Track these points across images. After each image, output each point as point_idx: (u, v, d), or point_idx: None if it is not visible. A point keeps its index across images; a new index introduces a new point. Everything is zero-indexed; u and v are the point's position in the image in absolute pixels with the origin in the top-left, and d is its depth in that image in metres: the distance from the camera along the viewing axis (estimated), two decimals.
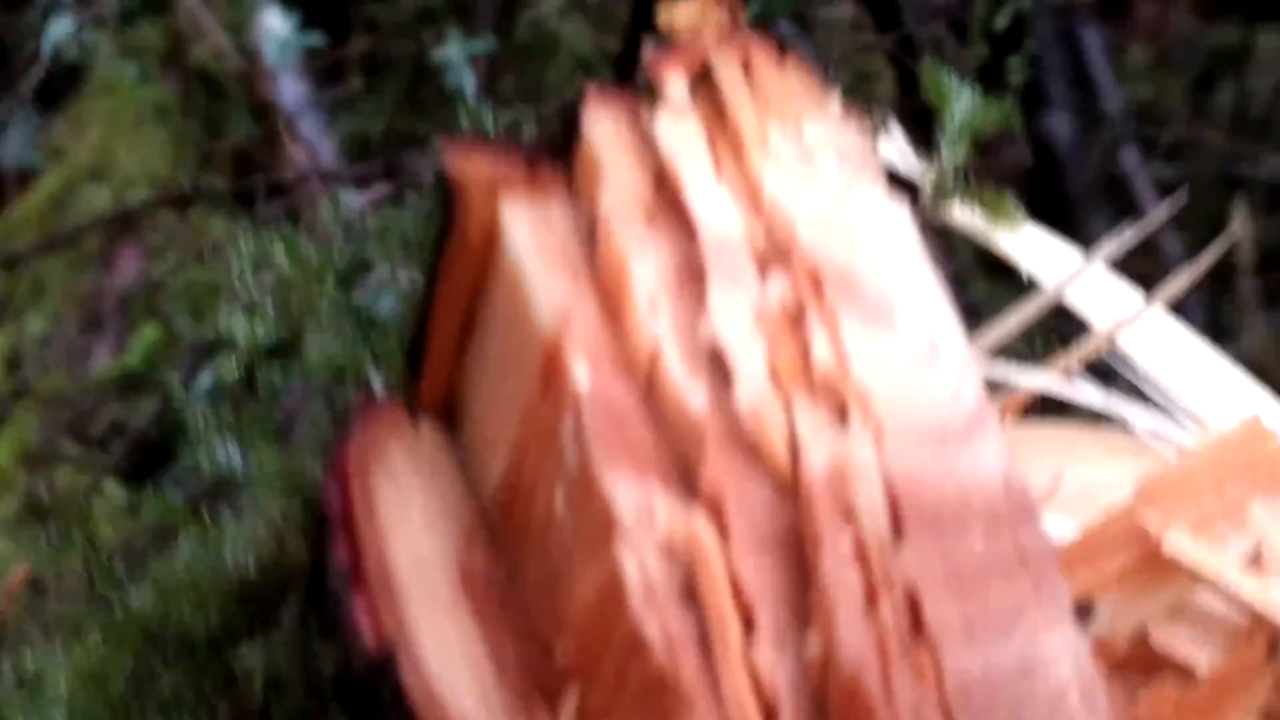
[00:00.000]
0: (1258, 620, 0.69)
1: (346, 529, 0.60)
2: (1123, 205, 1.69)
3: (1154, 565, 0.70)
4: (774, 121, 0.65)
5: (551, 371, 0.62)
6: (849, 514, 0.59)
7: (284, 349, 0.78)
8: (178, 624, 0.72)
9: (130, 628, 0.74)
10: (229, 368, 0.79)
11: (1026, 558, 0.62)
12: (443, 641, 0.61)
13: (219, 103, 2.30)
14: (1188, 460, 0.71)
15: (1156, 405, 0.79)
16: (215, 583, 0.73)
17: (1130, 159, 1.73)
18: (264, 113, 2.21)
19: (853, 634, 0.57)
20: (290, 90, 2.20)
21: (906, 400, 0.62)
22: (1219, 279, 1.63)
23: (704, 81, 0.67)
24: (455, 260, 0.64)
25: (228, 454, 0.78)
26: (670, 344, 0.63)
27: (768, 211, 0.64)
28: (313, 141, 2.13)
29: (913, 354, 0.64)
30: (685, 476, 0.62)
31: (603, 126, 0.65)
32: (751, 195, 0.64)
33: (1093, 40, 1.87)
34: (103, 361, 2.13)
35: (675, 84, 0.66)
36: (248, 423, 0.78)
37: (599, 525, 0.60)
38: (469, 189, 0.62)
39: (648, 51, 0.66)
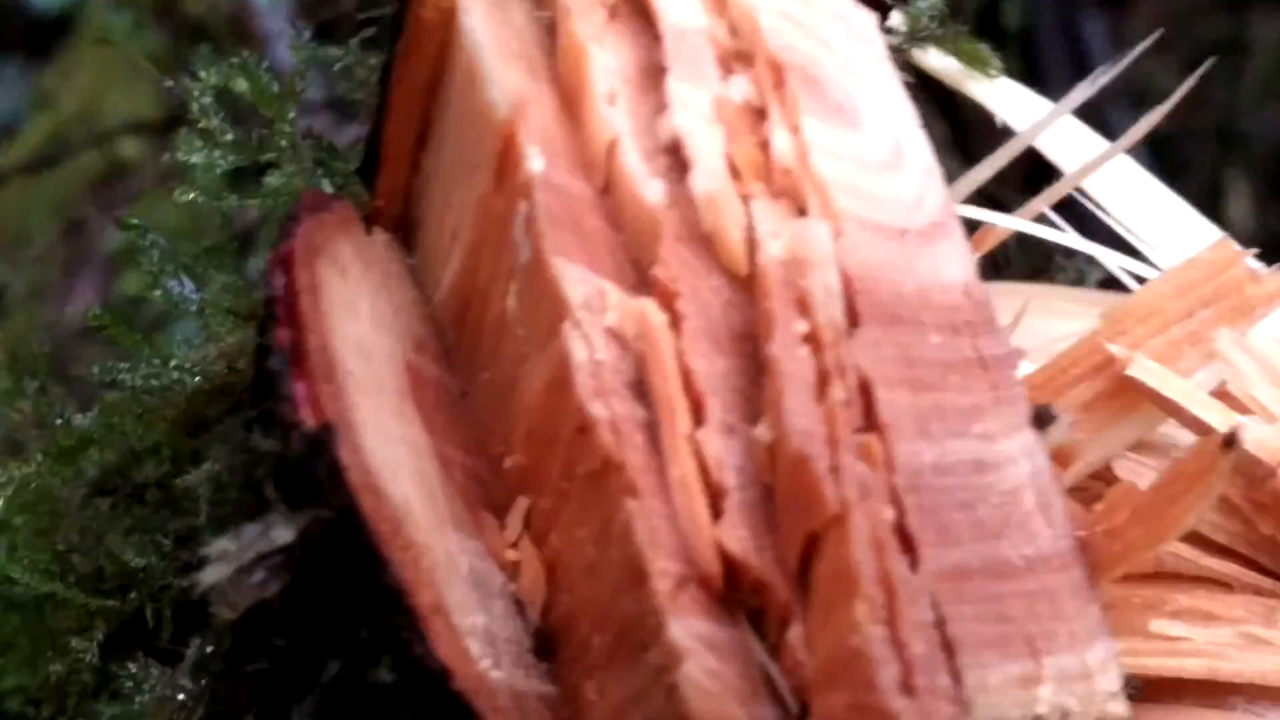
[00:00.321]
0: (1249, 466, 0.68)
1: (289, 311, 0.58)
2: None
3: (1119, 394, 0.69)
4: None
5: (506, 160, 0.60)
6: (803, 302, 0.58)
7: (243, 178, 0.77)
8: (121, 441, 0.71)
9: (74, 445, 0.72)
10: (187, 197, 0.77)
11: (986, 362, 0.61)
12: (385, 431, 0.60)
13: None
14: (1153, 288, 0.70)
15: (1126, 248, 0.78)
16: (163, 401, 0.72)
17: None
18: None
19: (801, 416, 0.56)
20: (283, 46, 2.18)
21: (867, 197, 0.61)
22: None
23: None
24: (411, 53, 0.62)
25: (182, 284, 0.76)
26: (628, 138, 0.61)
27: (731, 7, 0.63)
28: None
29: (876, 154, 0.62)
30: (641, 272, 0.60)
31: None
32: None
33: (1094, 29, 1.86)
34: None
35: None
36: (204, 252, 0.77)
37: (549, 313, 0.59)
38: None
39: None
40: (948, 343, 0.60)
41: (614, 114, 0.61)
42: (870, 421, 0.57)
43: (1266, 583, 0.70)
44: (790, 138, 0.61)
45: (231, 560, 0.56)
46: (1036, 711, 0.56)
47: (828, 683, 0.54)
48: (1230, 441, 0.57)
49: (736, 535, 0.56)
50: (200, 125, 0.79)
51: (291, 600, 0.60)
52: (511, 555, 0.62)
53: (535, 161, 0.59)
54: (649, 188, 0.60)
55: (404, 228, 0.69)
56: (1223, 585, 0.70)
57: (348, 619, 0.59)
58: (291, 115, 0.77)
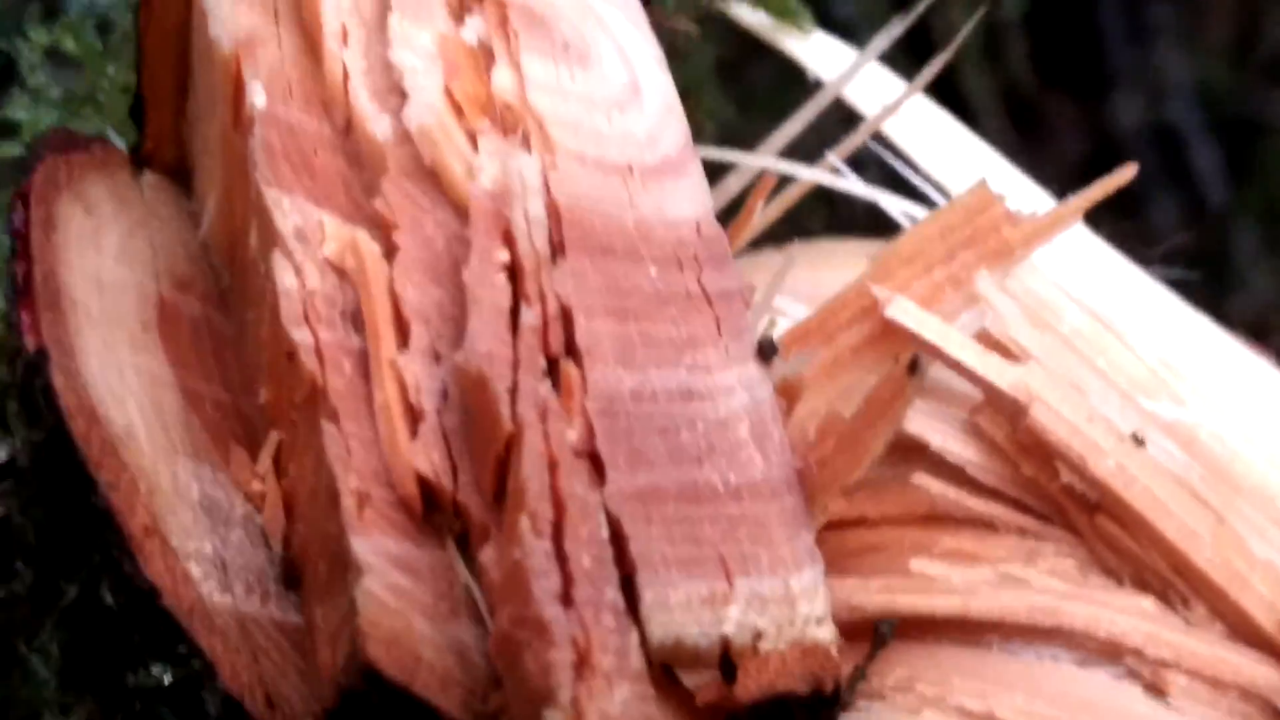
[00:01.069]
0: (985, 388, 0.69)
1: (21, 243, 0.60)
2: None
3: (885, 339, 0.70)
4: None
5: (238, 96, 0.62)
6: (507, 232, 0.59)
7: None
8: None
9: None
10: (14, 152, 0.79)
11: (710, 296, 0.62)
12: (114, 361, 0.62)
13: None
14: (917, 231, 0.70)
15: (924, 197, 0.78)
16: None
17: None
18: None
19: (484, 340, 0.57)
20: None
21: (592, 135, 0.62)
22: None
23: None
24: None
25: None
26: (360, 76, 0.63)
27: None
28: None
29: (606, 92, 0.64)
30: (361, 201, 0.62)
31: None
32: None
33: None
34: None
35: None
36: None
37: (268, 242, 0.60)
38: None
39: None
40: (667, 276, 0.62)
41: (347, 53, 0.63)
42: (569, 348, 0.58)
43: (1031, 523, 0.71)
44: (511, 74, 0.62)
45: None
46: (723, 630, 0.57)
47: (501, 598, 0.55)
48: (913, 367, 0.58)
49: (429, 457, 0.57)
50: (30, 84, 0.81)
51: (29, 524, 0.63)
52: (257, 487, 0.64)
53: (258, 96, 0.61)
54: (378, 123, 0.62)
55: (182, 173, 0.71)
56: (988, 527, 0.71)
57: (80, 543, 0.61)
58: (112, 71, 0.79)
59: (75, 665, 0.63)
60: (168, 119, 0.69)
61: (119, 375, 0.61)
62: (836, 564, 0.67)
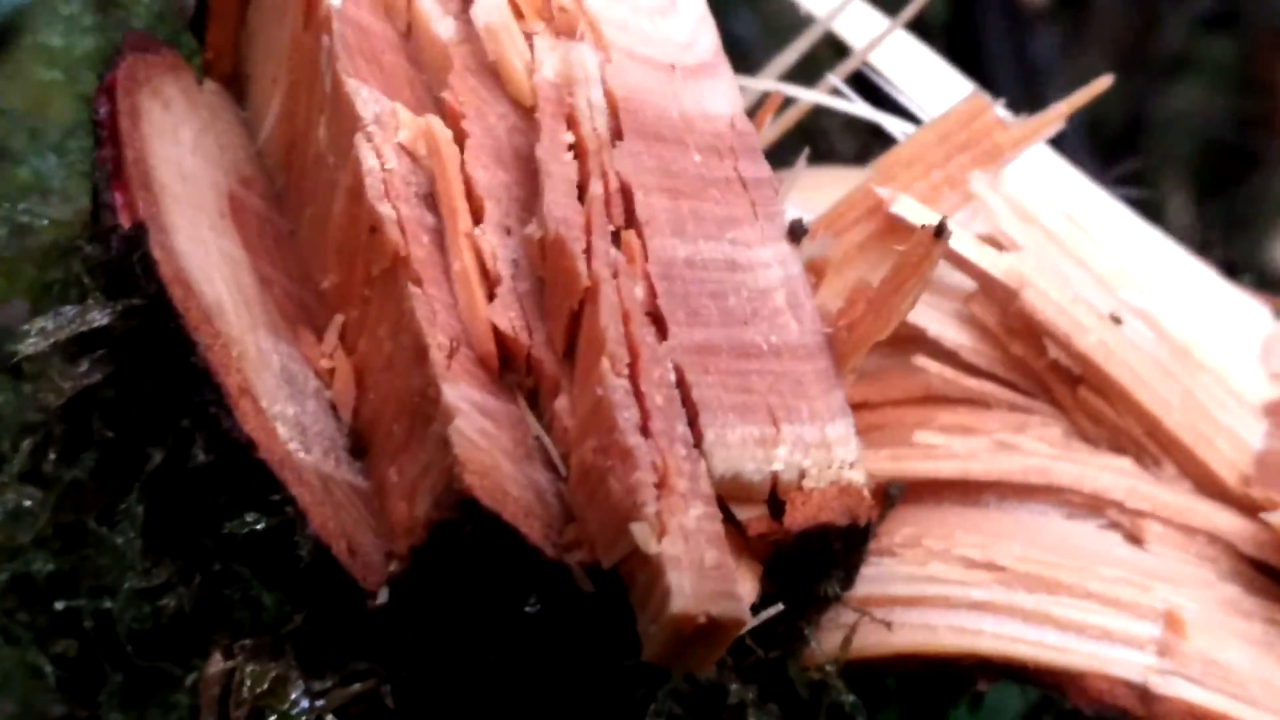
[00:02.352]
0: (979, 277, 0.76)
1: (110, 131, 0.65)
2: None
3: (890, 235, 0.76)
4: None
5: (310, 1, 0.67)
6: (571, 116, 0.65)
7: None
8: None
9: None
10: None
11: (746, 182, 0.69)
12: (201, 240, 0.67)
13: None
14: (916, 138, 0.77)
15: (912, 117, 0.85)
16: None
17: None
18: None
19: (560, 208, 0.63)
20: None
21: (639, 35, 0.68)
22: None
23: None
24: None
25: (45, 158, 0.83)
26: None
27: None
28: None
29: (649, 1, 0.70)
30: (436, 102, 0.67)
31: None
32: None
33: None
34: None
35: None
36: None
37: (347, 130, 0.66)
38: None
39: None
40: (709, 162, 0.68)
41: None
42: (629, 219, 0.64)
43: (1019, 399, 0.77)
44: None
45: (49, 336, 0.63)
46: (773, 468, 0.63)
47: (582, 434, 0.61)
48: (940, 231, 0.64)
49: (507, 315, 0.63)
50: (63, 12, 0.85)
51: (117, 393, 0.68)
52: (326, 364, 0.69)
53: None
54: (442, 25, 0.68)
55: (237, 84, 0.76)
56: (981, 404, 0.78)
57: (167, 407, 0.66)
58: None
59: (159, 528, 0.68)
60: (229, 31, 0.74)
61: (205, 253, 0.66)
62: None
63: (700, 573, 0.58)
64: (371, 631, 0.65)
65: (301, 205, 0.72)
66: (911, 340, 0.78)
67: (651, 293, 0.63)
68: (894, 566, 0.74)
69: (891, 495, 0.74)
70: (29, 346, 0.62)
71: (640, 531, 0.58)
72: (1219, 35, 2.07)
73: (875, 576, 0.73)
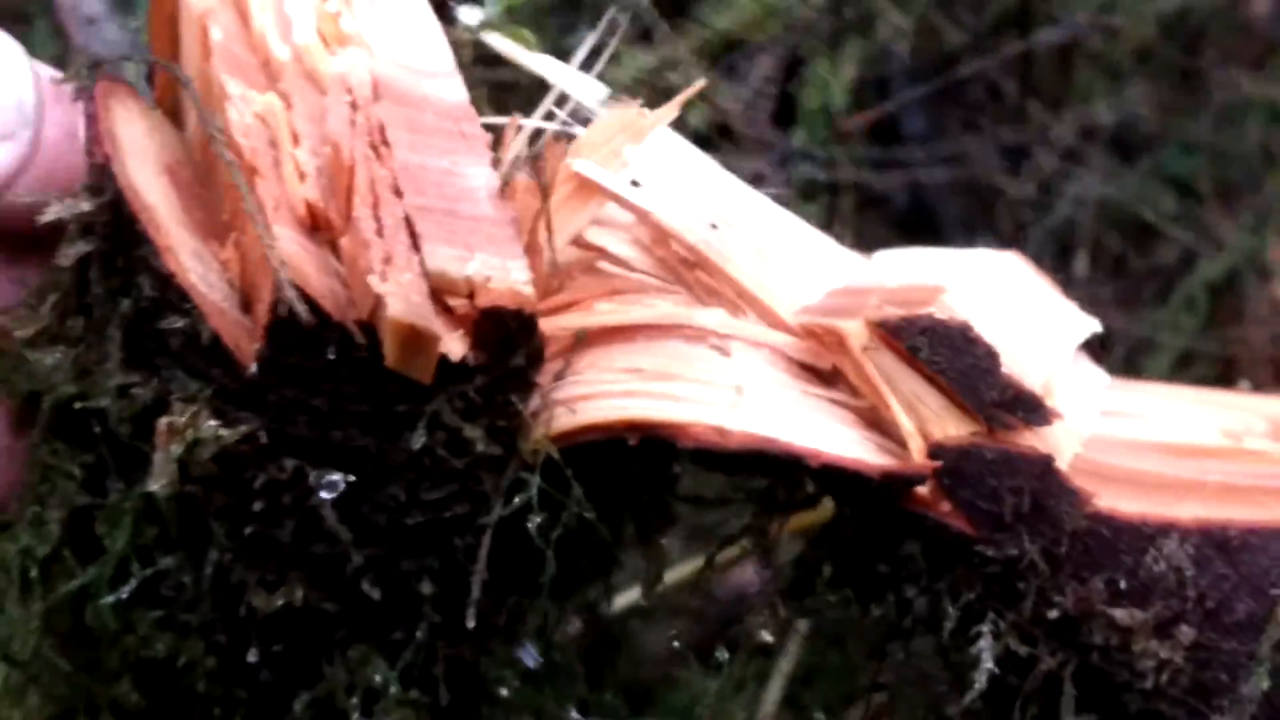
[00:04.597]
0: (635, 210, 1.24)
1: (92, 117, 1.15)
2: None
3: (583, 192, 1.25)
4: None
5: (204, 38, 1.18)
6: (349, 87, 1.15)
7: None
8: None
9: None
10: None
11: (465, 135, 1.17)
12: (144, 174, 1.15)
13: None
14: (593, 128, 1.26)
15: None
16: None
17: None
18: None
19: (338, 128, 1.11)
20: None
21: (395, 49, 1.17)
22: None
23: None
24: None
25: None
26: (270, 30, 1.19)
27: None
28: None
29: (405, 32, 1.20)
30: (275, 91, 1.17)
31: None
32: None
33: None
34: None
35: None
36: None
37: (223, 109, 1.15)
38: None
39: None
40: (440, 121, 1.14)
41: (262, 15, 1.19)
42: (382, 141, 1.13)
43: (665, 285, 1.24)
44: (351, 20, 1.18)
45: (59, 212, 1.12)
46: (467, 272, 1.09)
47: (349, 247, 1.09)
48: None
49: (312, 191, 1.12)
50: None
51: (100, 263, 1.15)
52: (224, 256, 1.17)
53: (216, 33, 1.17)
54: (280, 50, 1.18)
55: (175, 115, 1.26)
56: (642, 289, 1.25)
57: (130, 267, 1.14)
58: None
59: (128, 350, 1.15)
60: (166, 78, 1.25)
61: (147, 180, 1.14)
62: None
63: (408, 302, 1.05)
64: (252, 395, 1.12)
65: (212, 183, 1.21)
66: (600, 256, 1.26)
67: (394, 176, 1.11)
68: (577, 380, 1.18)
69: (579, 336, 1.20)
70: (46, 217, 1.10)
71: (374, 281, 1.05)
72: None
73: (565, 387, 1.17)
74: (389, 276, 0.99)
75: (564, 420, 1.10)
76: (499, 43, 1.27)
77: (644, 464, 1.18)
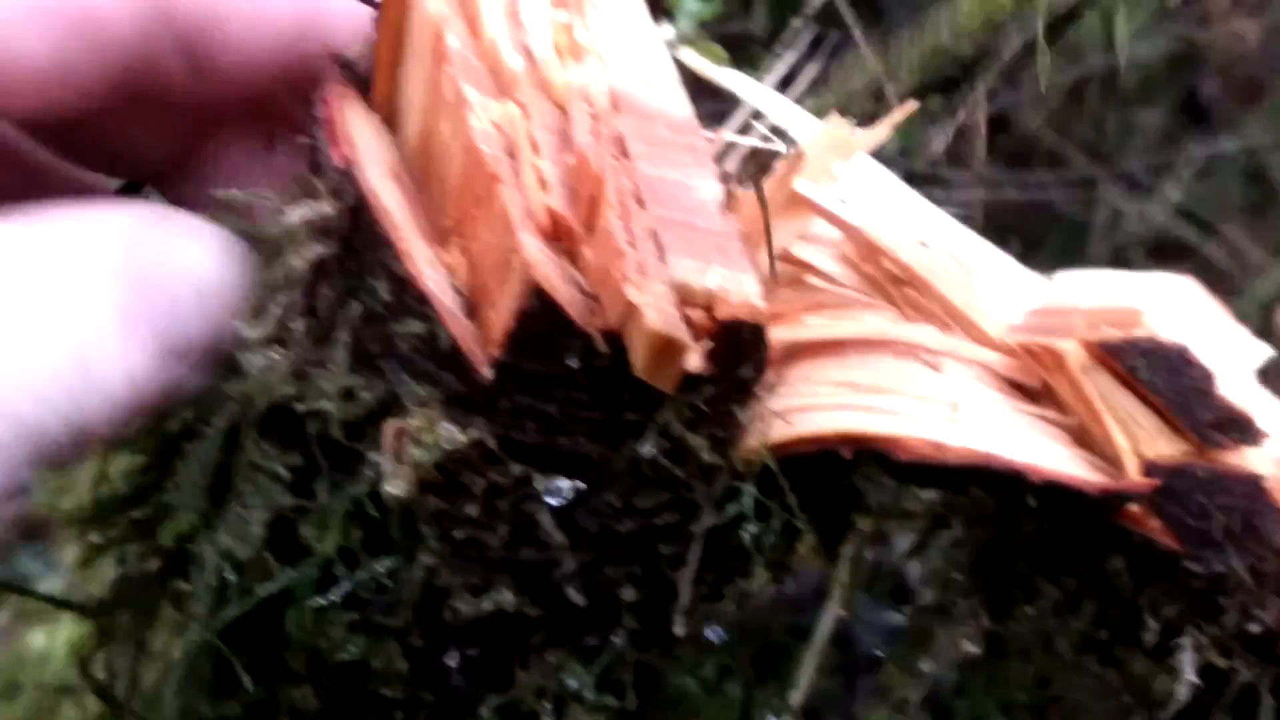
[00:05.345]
0: (843, 225, 1.26)
1: (327, 120, 1.16)
2: None
3: (794, 207, 1.27)
4: None
5: (438, 45, 1.19)
6: (588, 97, 1.16)
7: None
8: None
9: None
10: None
11: (693, 148, 1.18)
12: (378, 179, 1.17)
13: None
14: (809, 143, 1.28)
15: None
16: None
17: None
18: None
19: (584, 139, 1.12)
20: None
21: (628, 63, 1.19)
22: None
23: None
24: (388, 4, 1.22)
25: None
26: (502, 39, 1.20)
27: None
28: None
29: (634, 47, 1.22)
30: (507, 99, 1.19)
31: None
32: None
33: None
34: None
35: None
36: None
37: (461, 116, 1.17)
38: None
39: None
40: (671, 133, 1.16)
41: (494, 26, 1.21)
42: (623, 151, 1.15)
43: (871, 300, 1.27)
44: (586, 33, 1.20)
45: (301, 217, 1.13)
46: (706, 284, 1.11)
47: (597, 255, 1.10)
48: (799, 155, 1.15)
49: (556, 202, 1.13)
50: None
51: (333, 266, 1.17)
52: (449, 260, 1.18)
53: (453, 41, 1.18)
54: (513, 60, 1.19)
55: (389, 120, 1.27)
56: (849, 306, 1.27)
57: (363, 270, 1.16)
58: None
59: (357, 354, 1.16)
60: (386, 86, 1.26)
61: (382, 186, 1.17)
62: None
63: (662, 313, 1.06)
64: (483, 400, 1.13)
65: (429, 185, 1.22)
66: (807, 270, 1.28)
67: (636, 187, 1.12)
68: (791, 391, 1.20)
69: (791, 349, 1.23)
70: (290, 217, 1.11)
71: (630, 290, 1.06)
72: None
73: (779, 398, 1.19)
74: (643, 287, 1.00)
75: (779, 430, 1.11)
76: (691, 59, 1.28)
77: (835, 475, 1.19)
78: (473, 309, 1.11)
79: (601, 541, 1.13)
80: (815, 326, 1.19)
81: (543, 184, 1.08)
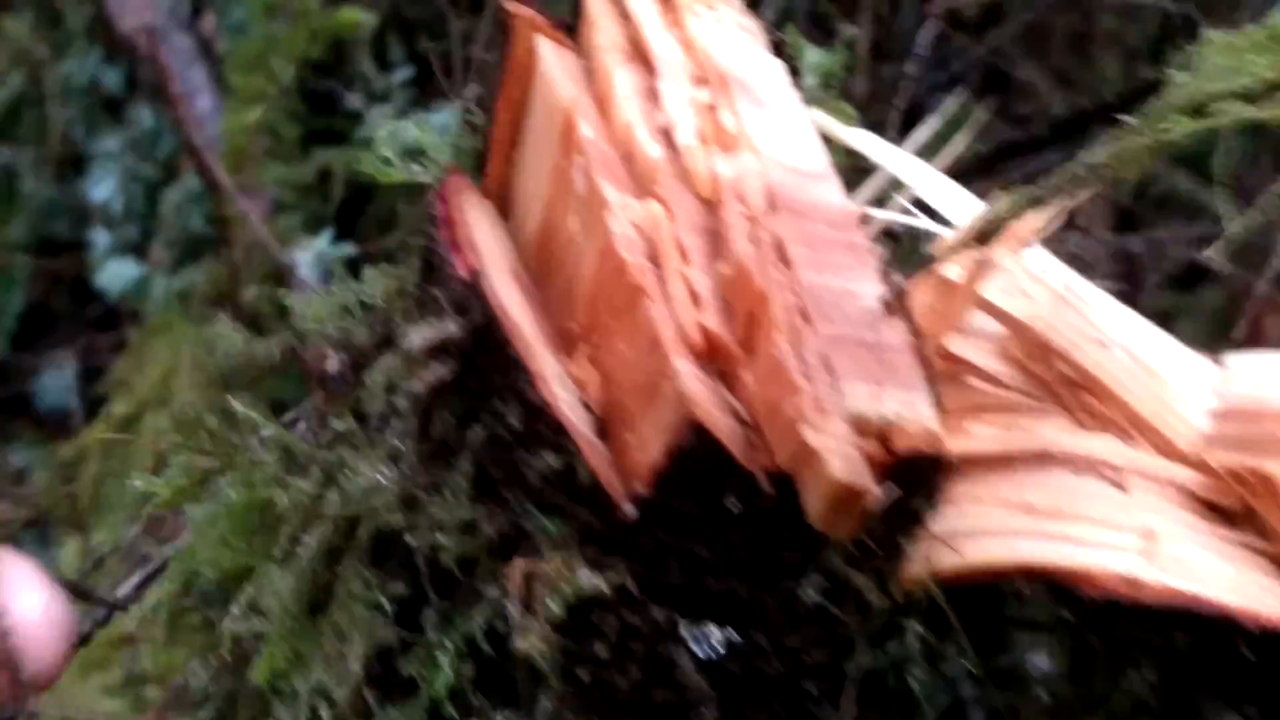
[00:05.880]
0: (1008, 320, 1.13)
1: (447, 220, 1.03)
2: None
3: (948, 299, 1.13)
4: (698, 3, 1.10)
5: (567, 133, 1.05)
6: (743, 197, 1.03)
7: None
8: None
9: None
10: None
11: (854, 245, 1.05)
12: (504, 288, 1.04)
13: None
14: (958, 230, 1.14)
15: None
16: None
17: None
18: None
19: (743, 248, 0.99)
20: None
21: (779, 149, 1.06)
22: None
23: None
24: (509, 75, 1.08)
25: None
26: (638, 123, 1.06)
27: (695, 50, 1.09)
28: None
29: (783, 128, 1.08)
30: (646, 194, 1.05)
31: (598, 2, 1.09)
32: (686, 42, 1.09)
33: None
34: None
35: None
36: None
37: (597, 215, 1.03)
38: (518, 24, 1.07)
39: None
40: (829, 230, 1.04)
41: (628, 110, 1.07)
42: (782, 258, 1.01)
43: (1039, 404, 1.13)
44: (732, 119, 1.06)
45: (425, 339, 1.00)
46: (883, 412, 0.98)
47: (763, 387, 0.97)
48: (986, 262, 1.01)
49: (711, 319, 0.99)
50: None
51: (453, 387, 1.04)
52: (577, 373, 1.05)
53: (586, 129, 1.05)
54: (651, 148, 1.06)
55: (501, 205, 1.14)
56: (1013, 409, 1.14)
57: (489, 392, 1.03)
58: None
59: (479, 484, 1.03)
60: (500, 168, 1.12)
61: (509, 296, 1.03)
62: None
63: (844, 459, 0.93)
64: (623, 539, 1.01)
65: (550, 281, 1.09)
66: (967, 370, 1.14)
67: (802, 300, 0.99)
68: (957, 514, 1.08)
69: (954, 464, 1.10)
70: (413, 340, 0.98)
71: (808, 433, 0.93)
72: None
73: (943, 520, 1.07)
74: (822, 427, 0.87)
75: (946, 559, 0.99)
76: (820, 119, 1.14)
77: (994, 605, 1.08)
78: (604, 428, 0.99)
79: (745, 684, 1.01)
80: (982, 437, 1.06)
81: (694, 298, 0.95)
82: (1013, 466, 1.05)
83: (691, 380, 0.93)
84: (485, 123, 1.06)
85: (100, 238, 2.92)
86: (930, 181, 1.16)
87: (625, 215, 0.98)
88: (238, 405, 1.08)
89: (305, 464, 1.08)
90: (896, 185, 1.19)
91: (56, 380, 3.18)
